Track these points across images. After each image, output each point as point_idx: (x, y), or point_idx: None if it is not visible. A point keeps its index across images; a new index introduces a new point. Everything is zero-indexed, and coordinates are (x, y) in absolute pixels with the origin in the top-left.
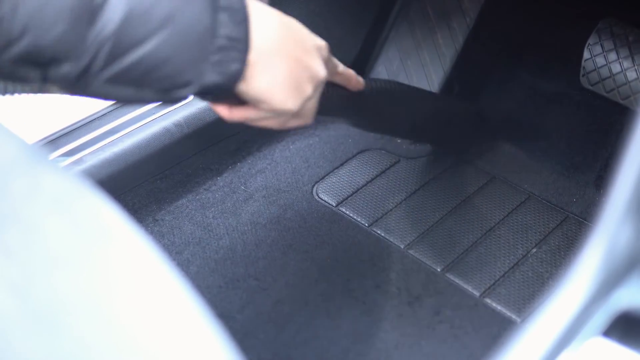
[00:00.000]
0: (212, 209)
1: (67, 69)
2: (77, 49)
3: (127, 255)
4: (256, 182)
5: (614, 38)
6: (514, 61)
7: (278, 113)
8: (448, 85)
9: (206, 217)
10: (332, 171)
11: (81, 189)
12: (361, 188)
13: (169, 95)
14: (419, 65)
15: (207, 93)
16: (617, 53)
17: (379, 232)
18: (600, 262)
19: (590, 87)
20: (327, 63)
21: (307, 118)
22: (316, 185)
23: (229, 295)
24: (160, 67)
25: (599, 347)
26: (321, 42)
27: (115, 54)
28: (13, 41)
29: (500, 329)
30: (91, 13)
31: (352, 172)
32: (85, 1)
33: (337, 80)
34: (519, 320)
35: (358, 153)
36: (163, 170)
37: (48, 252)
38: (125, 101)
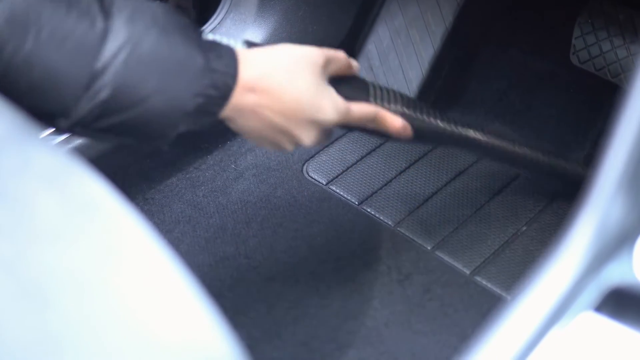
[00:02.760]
0: (202, 187)
1: (58, 123)
2: (70, 110)
3: (118, 232)
4: (246, 160)
5: (605, 16)
6: (504, 39)
7: None
8: (438, 64)
9: (196, 195)
10: (322, 149)
11: (72, 166)
12: (351, 166)
13: (147, 145)
14: (409, 44)
15: (179, 137)
16: (608, 31)
17: (369, 210)
18: (592, 237)
19: (580, 65)
20: (333, 127)
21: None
22: (306, 164)
23: (219, 273)
24: (142, 127)
25: (591, 321)
26: (326, 117)
27: (105, 114)
28: (20, 98)
29: (490, 307)
30: (90, 79)
31: (342, 150)
32: (87, 67)
33: (372, 127)
34: (509, 297)
35: (348, 131)
36: (153, 149)
37: (38, 229)
38: (109, 142)
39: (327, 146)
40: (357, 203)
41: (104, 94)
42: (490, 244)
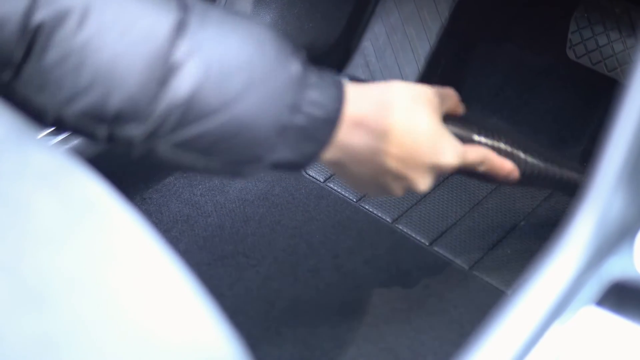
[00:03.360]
0: (200, 186)
1: (132, 130)
2: (144, 110)
3: (117, 232)
4: None
5: (601, 10)
6: (500, 34)
7: None
8: (435, 59)
9: (194, 194)
10: None
11: (69, 166)
12: None
13: (237, 169)
14: (405, 40)
15: (279, 168)
16: (604, 25)
17: (367, 207)
18: (592, 231)
19: (576, 60)
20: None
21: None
22: None
23: (217, 272)
24: (230, 139)
25: (592, 316)
26: (447, 161)
27: (186, 121)
28: (77, 95)
29: (489, 302)
30: (165, 73)
31: None
32: (161, 58)
33: (481, 171)
34: (508, 292)
35: None
36: None
37: (36, 230)
38: (192, 169)
39: None
40: (355, 200)
41: (182, 92)
42: (489, 239)
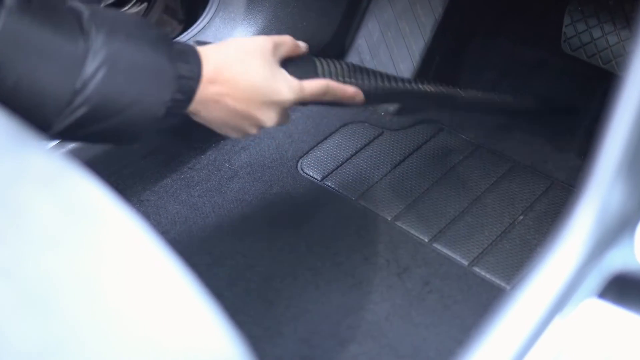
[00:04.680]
0: (197, 187)
1: (44, 134)
2: (53, 124)
3: (117, 234)
4: (240, 159)
5: (594, 3)
6: (494, 30)
7: None
8: (429, 55)
9: (191, 195)
10: (316, 145)
11: (67, 169)
12: (346, 161)
13: (124, 146)
14: (399, 37)
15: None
16: (598, 18)
17: (365, 204)
18: (593, 224)
19: (571, 53)
20: (293, 105)
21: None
22: (301, 160)
23: (217, 272)
24: (120, 134)
25: (595, 308)
26: (282, 97)
27: (85, 125)
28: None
29: (489, 297)
30: (71, 97)
31: (336, 145)
32: (70, 87)
33: (327, 99)
34: (508, 287)
35: (341, 126)
36: (147, 151)
37: (36, 233)
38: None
39: (320, 142)
40: (353, 198)
41: (82, 110)
42: (488, 234)
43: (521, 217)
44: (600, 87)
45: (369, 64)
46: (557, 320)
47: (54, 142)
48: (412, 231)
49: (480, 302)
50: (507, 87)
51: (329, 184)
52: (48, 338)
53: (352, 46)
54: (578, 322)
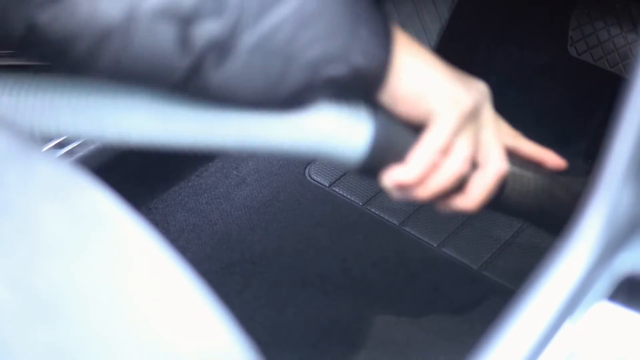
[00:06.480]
0: (205, 195)
1: (211, 26)
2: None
3: (126, 242)
4: (248, 166)
5: (601, 5)
6: (500, 34)
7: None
8: None
9: (199, 203)
10: None
11: (75, 178)
12: None
13: (318, 74)
14: None
15: (352, 82)
16: (604, 20)
17: (373, 210)
18: (602, 226)
19: (578, 57)
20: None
21: (476, 196)
22: (308, 167)
23: (226, 280)
24: (307, 27)
25: (605, 311)
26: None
27: (262, 7)
28: None
29: (499, 302)
30: None
31: None
32: None
33: (523, 152)
34: (518, 291)
35: None
36: (154, 159)
37: (45, 242)
38: (266, 91)
39: None
40: (361, 204)
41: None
42: (497, 238)
43: None
44: (608, 90)
45: None
46: (568, 323)
47: (63, 151)
48: (421, 236)
49: (491, 307)
50: (514, 92)
51: (337, 190)
52: (59, 346)
53: None
54: (589, 325)
